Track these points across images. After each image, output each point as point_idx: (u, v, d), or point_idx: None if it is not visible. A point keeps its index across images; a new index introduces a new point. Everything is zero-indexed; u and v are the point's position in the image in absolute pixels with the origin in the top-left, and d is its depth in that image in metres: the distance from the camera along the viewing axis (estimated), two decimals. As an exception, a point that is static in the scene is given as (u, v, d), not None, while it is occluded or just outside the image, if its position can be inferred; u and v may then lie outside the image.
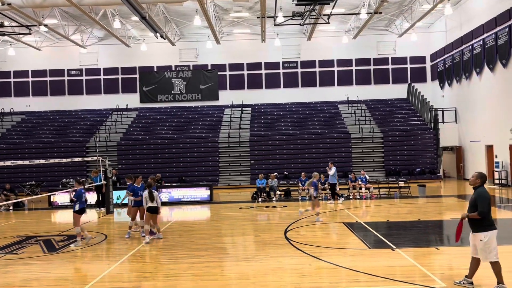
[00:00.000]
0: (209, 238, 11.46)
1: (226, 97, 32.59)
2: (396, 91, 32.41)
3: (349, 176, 20.97)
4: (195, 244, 10.67)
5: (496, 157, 22.93)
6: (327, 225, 12.95)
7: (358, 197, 19.25)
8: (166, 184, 21.73)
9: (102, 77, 32.74)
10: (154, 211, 10.96)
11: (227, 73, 32.84)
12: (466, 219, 6.68)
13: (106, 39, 31.09)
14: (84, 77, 32.70)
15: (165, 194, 19.55)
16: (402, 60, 32.54)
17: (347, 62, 32.63)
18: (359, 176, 20.10)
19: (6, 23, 22.56)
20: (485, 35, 23.68)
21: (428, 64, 32.40)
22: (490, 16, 23.14)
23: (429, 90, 31.72)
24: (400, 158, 27.35)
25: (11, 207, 19.18)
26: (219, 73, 32.73)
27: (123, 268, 8.77)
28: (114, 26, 25.46)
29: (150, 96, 32.71)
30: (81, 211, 10.96)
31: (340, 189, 19.75)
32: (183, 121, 30.90)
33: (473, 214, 6.55)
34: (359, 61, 32.59)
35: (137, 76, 32.76)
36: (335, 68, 32.70)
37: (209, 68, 32.78)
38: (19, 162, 12.75)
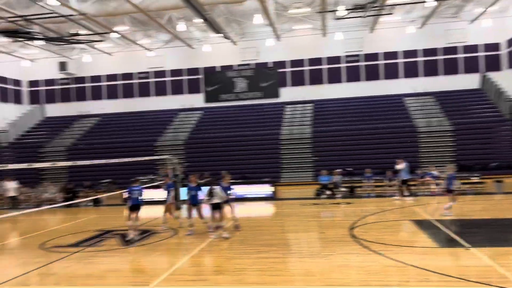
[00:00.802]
0: (273, 234, 11.61)
1: (287, 93, 32.60)
2: (467, 81, 30.51)
3: (417, 172, 20.15)
4: (260, 240, 10.85)
5: None
6: (394, 223, 12.59)
7: (427, 193, 18.46)
8: (230, 181, 22.16)
9: (168, 79, 34.13)
10: (215, 207, 11.23)
11: (288, 69, 32.82)
12: None
13: (171, 42, 32.33)
14: (151, 80, 34.28)
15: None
16: (474, 48, 30.57)
17: (413, 53, 31.27)
18: (428, 172, 19.26)
19: (82, 32, 24.27)
20: None
21: (504, 51, 30.16)
22: None
23: (505, 79, 29.50)
24: (473, 153, 25.74)
25: (91, 203, 20.69)
26: (279, 70, 32.81)
27: (192, 262, 9.15)
28: (179, 29, 26.43)
29: (214, 96, 33.55)
30: (132, 208, 11.59)
31: (408, 185, 19.05)
32: (246, 119, 31.38)
33: None
34: (426, 52, 31.09)
35: (201, 76, 33.75)
36: (400, 60, 31.49)
37: (270, 65, 32.97)
38: (98, 162, 13.73)
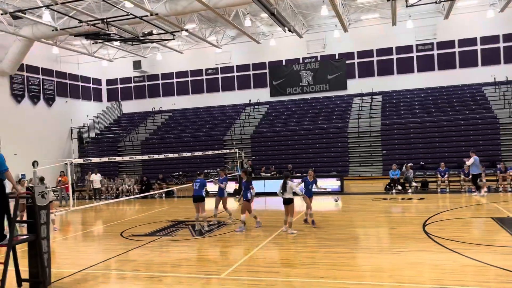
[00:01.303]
0: (341, 229, 11.48)
1: (355, 85, 31.82)
2: (557, 67, 27.81)
3: (498, 166, 18.82)
4: (328, 234, 10.79)
5: None
6: (472, 220, 11.90)
7: (509, 189, 17.18)
8: (297, 175, 22.20)
9: (235, 74, 34.76)
10: (286, 202, 11.16)
11: (356, 61, 32.00)
12: None
13: (238, 38, 32.85)
14: (219, 75, 35.12)
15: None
16: None
17: (493, 39, 29.06)
18: (510, 166, 17.90)
19: (154, 31, 25.45)
20: None
21: None
22: None
23: None
24: None
25: (163, 195, 21.77)
26: (347, 61, 32.09)
27: (262, 253, 9.33)
28: (245, 24, 26.77)
29: (280, 90, 33.65)
30: (194, 199, 12.10)
31: (487, 180, 17.88)
32: (312, 112, 31.13)
33: None
34: (508, 37, 28.76)
35: (266, 71, 33.97)
36: (479, 47, 29.42)
37: (337, 57, 32.35)
38: (170, 155, 14.41)
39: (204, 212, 12.11)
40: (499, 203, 14.37)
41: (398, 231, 11.00)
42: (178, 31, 25.89)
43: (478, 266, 7.51)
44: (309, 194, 12.16)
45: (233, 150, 18.52)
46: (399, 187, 18.86)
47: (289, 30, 26.40)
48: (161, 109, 35.90)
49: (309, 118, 30.43)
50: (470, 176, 17.24)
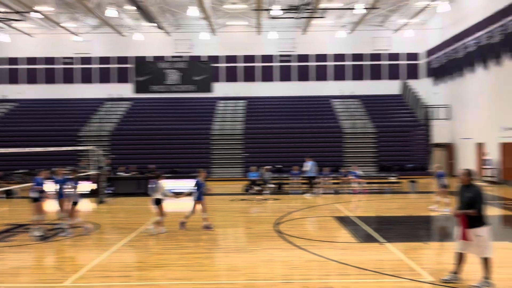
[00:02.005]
0: (199, 230, 11.50)
1: (221, 89, 32.54)
2: (389, 87, 32.54)
3: (341, 170, 21.10)
4: (186, 235, 10.72)
5: (487, 154, 23.17)
6: (318, 219, 13.05)
7: (349, 191, 19.39)
8: (189, 174, 21.59)
9: (95, 66, 32.49)
10: (156, 202, 10.97)
11: (222, 65, 32.74)
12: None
13: (99, 28, 30.78)
14: (76, 66, 32.41)
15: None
16: (396, 56, 32.64)
17: (342, 57, 32.67)
18: (351, 171, 20.24)
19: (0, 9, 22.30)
20: (479, 33, 23.80)
21: (422, 61, 32.52)
22: (484, 15, 23.24)
23: (422, 86, 31.86)
24: (392, 154, 27.51)
25: (3, 195, 19.07)
26: (213, 64, 32.62)
27: (113, 258, 8.78)
28: (108, 14, 25.21)
29: (144, 86, 32.55)
30: (33, 200, 10.77)
31: (332, 183, 19.91)
32: (177, 112, 30.82)
33: (470, 211, 6.62)
34: (354, 56, 32.65)
35: (131, 66, 32.54)
36: (330, 63, 32.74)
37: (204, 59, 32.65)
38: (11, 150, 12.66)
39: (43, 214, 10.78)
40: (340, 204, 16.08)
41: (253, 230, 11.47)
42: (28, 12, 23.12)
43: (321, 261, 8.23)
44: (200, 196, 11.74)
45: (89, 148, 17.18)
46: (257, 188, 19.77)
47: (157, 27, 25.72)
48: (5, 97, 31.60)
49: (174, 118, 30.05)
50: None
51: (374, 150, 27.73)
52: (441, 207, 13.82)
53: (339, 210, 14.54)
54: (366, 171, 24.34)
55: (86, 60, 32.33)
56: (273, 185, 20.28)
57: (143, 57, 32.51)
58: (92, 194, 17.82)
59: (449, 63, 27.63)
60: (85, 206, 15.79)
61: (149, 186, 10.94)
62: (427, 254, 8.84)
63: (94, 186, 18.41)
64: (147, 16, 22.91)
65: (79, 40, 31.04)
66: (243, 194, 19.31)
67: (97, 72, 32.47)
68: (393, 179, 20.57)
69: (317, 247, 9.23)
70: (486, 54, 23.10)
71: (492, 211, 14.12)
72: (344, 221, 12.44)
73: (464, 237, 6.72)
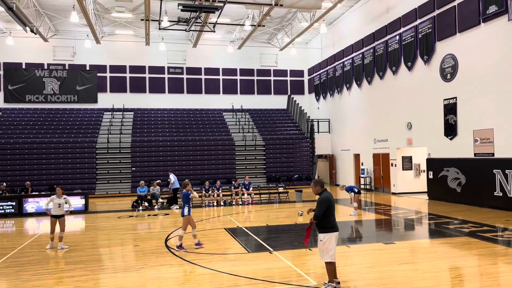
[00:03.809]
0: (82, 251, 10.62)
1: (106, 100, 30.89)
2: (277, 101, 34.12)
3: (233, 182, 21.36)
4: (65, 258, 9.80)
5: (362, 164, 25.47)
6: (209, 232, 12.96)
7: (240, 203, 19.69)
8: (34, 193, 19.67)
9: (-44, 71, 28.51)
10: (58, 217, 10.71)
11: (108, 74, 31.16)
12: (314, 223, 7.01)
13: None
14: None
15: (32, 204, 17.69)
16: (283, 72, 34.43)
17: (232, 71, 33.41)
18: (241, 182, 20.61)
19: None
20: (354, 54, 26.28)
21: (306, 78, 34.77)
22: (358, 38, 25.76)
23: (307, 102, 34.04)
24: (280, 165, 28.75)
25: None
26: (98, 74, 30.89)
27: (-25, 289, 7.63)
28: (-27, 14, 22.42)
29: (17, 96, 29.46)
30: None
31: (223, 195, 20.03)
32: (57, 124, 28.42)
33: (312, 218, 6.93)
34: (244, 71, 33.61)
35: (1, 72, 29.26)
36: (221, 77, 33.23)
37: (88, 68, 30.74)
38: None
39: None
40: (231, 215, 16.22)
41: (141, 247, 10.94)
42: None
43: (211, 274, 8.13)
44: (189, 211, 10.55)
45: None
46: (146, 204, 19.04)
47: (32, 31, 23.58)
48: None
49: (53, 130, 27.66)
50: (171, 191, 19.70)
51: (264, 162, 28.70)
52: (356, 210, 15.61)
53: (230, 222, 14.63)
54: (256, 182, 25.04)
55: None
56: (163, 200, 19.72)
57: (17, 64, 29.47)
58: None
59: (329, 80, 29.97)
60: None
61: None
62: (311, 260, 9.29)
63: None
64: (19, 19, 20.82)
65: None
66: (131, 211, 18.43)
67: (-42, 78, 28.56)
68: (281, 189, 21.44)
69: (207, 260, 9.12)
70: (359, 73, 25.55)
71: (366, 216, 15.49)
72: (235, 232, 12.53)
73: (305, 242, 7.42)
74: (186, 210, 10.41)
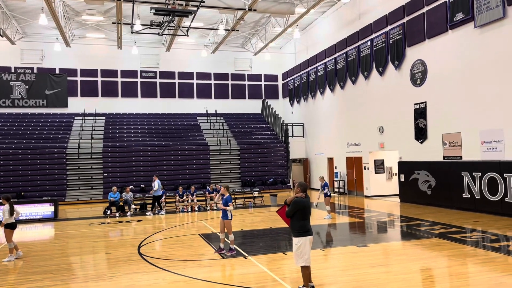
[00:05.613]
0: (51, 259, 10.30)
1: (77, 104, 30.21)
2: (252, 106, 34.16)
3: (207, 187, 21.20)
4: (33, 267, 9.47)
5: (336, 168, 25.77)
6: (182, 238, 12.80)
7: (215, 208, 19.54)
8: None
9: None
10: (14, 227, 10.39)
11: (79, 78, 30.49)
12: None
13: None
14: None
15: (-1, 213, 17.03)
16: (257, 77, 34.52)
17: (206, 75, 33.27)
18: (217, 187, 20.47)
19: None
20: (327, 59, 26.62)
21: (280, 82, 34.97)
22: (331, 43, 26.11)
23: (281, 106, 34.23)
24: (255, 170, 28.75)
25: None
26: (69, 78, 30.19)
27: None
28: None
29: (-17, 100, 28.45)
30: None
31: (198, 200, 19.85)
32: (24, 130, 27.57)
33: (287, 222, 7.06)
34: (218, 76, 33.52)
35: (-35, 76, 28.22)
36: (195, 81, 33.03)
37: (57, 72, 30.00)
38: None
39: None
40: (206, 221, 16.08)
41: (113, 255, 10.69)
42: None
43: (186, 281, 8.01)
44: (230, 214, 10.37)
45: None
46: (119, 210, 18.66)
47: (-2, 33, 22.85)
48: None
49: (20, 135, 26.83)
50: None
51: (238, 166, 28.64)
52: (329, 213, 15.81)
53: (205, 227, 14.50)
54: (231, 186, 24.94)
55: None
56: (136, 206, 19.39)
57: (-18, 67, 28.48)
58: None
59: (302, 85, 30.24)
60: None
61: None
62: (286, 264, 9.29)
63: None
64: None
65: None
66: (103, 217, 18.03)
67: None
68: (256, 194, 21.42)
69: (181, 267, 8.99)
70: (332, 78, 25.89)
71: (340, 219, 15.65)
72: (210, 237, 12.42)
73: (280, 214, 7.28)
74: (229, 214, 10.36)
